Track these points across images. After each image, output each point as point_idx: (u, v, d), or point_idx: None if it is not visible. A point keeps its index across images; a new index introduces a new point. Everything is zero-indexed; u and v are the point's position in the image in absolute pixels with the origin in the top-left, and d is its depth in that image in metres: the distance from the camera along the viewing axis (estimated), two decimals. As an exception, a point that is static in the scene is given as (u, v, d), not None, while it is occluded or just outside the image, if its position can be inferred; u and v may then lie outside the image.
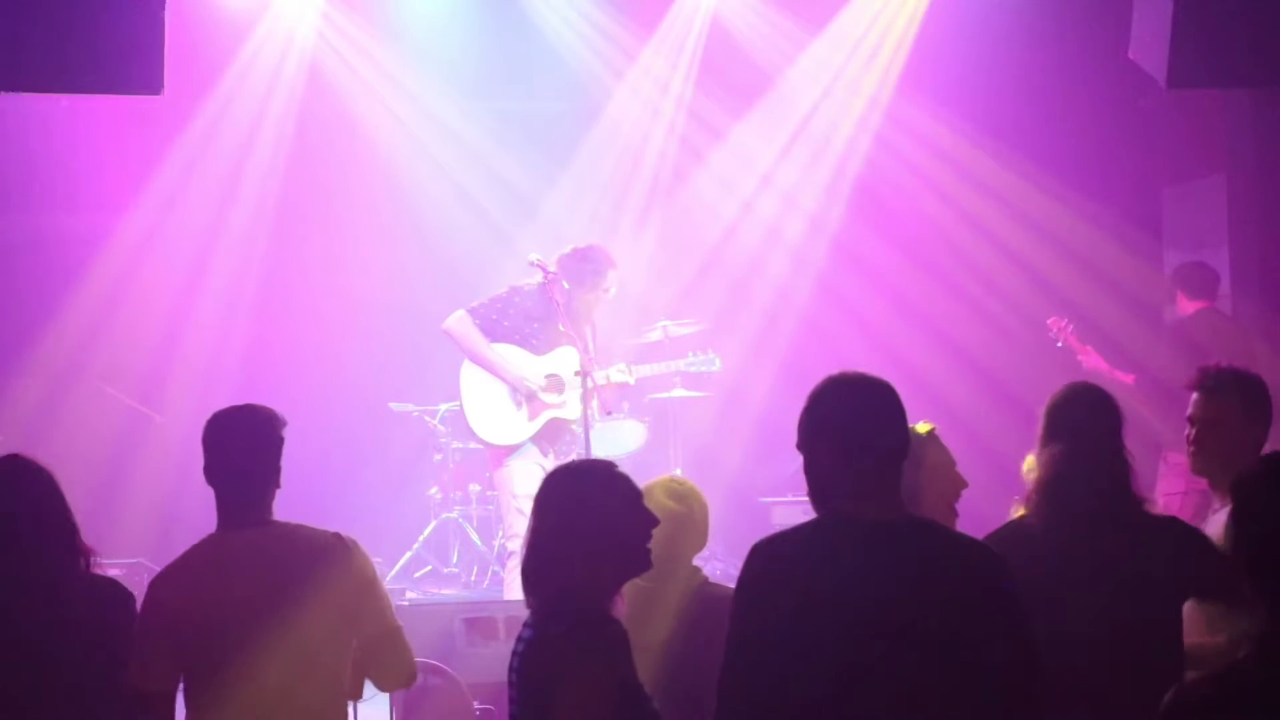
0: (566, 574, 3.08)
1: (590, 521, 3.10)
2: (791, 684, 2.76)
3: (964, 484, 3.87)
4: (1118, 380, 7.47)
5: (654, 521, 3.22)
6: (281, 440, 3.69)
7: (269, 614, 3.51)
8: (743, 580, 2.89)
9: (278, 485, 3.69)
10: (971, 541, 2.92)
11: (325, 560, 3.61)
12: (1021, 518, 3.68)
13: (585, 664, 2.97)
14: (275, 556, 3.59)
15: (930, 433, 3.88)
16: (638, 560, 3.18)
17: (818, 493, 2.92)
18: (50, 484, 3.70)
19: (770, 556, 2.88)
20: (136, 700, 3.52)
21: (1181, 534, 3.59)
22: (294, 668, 3.52)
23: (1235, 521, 2.41)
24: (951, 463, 3.89)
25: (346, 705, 3.69)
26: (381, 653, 3.69)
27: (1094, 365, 7.59)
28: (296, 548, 3.62)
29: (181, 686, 3.61)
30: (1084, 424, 3.64)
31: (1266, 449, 3.87)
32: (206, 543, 3.66)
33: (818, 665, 2.75)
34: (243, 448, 3.65)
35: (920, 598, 2.75)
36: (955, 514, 3.83)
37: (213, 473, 3.66)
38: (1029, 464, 3.74)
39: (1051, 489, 3.57)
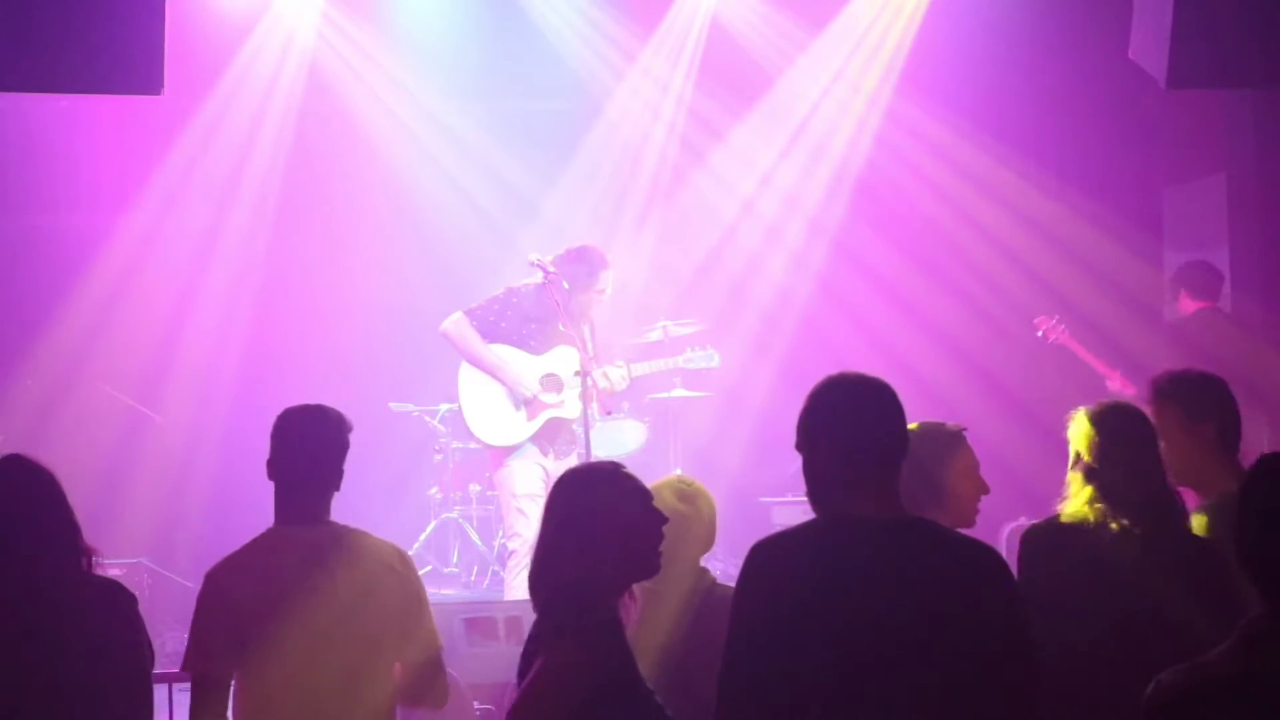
0: (570, 575, 3.07)
1: (596, 523, 3.09)
2: (791, 684, 2.76)
3: (985, 489, 3.87)
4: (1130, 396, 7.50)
5: (662, 523, 3.20)
6: (348, 444, 3.77)
7: (322, 613, 3.56)
8: (742, 580, 2.89)
9: (337, 488, 3.77)
10: (971, 541, 2.91)
11: (383, 574, 3.67)
12: (1065, 515, 3.67)
13: (565, 659, 2.96)
14: (333, 558, 3.65)
15: (958, 434, 3.87)
16: (645, 563, 3.16)
17: (817, 493, 2.92)
18: (51, 484, 3.70)
19: (770, 557, 2.88)
20: (197, 685, 3.58)
21: (1204, 543, 3.63)
22: (337, 673, 3.55)
23: (1238, 517, 2.44)
24: (975, 465, 3.89)
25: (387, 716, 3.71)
26: (421, 679, 3.72)
27: (1117, 387, 7.56)
28: (354, 553, 3.67)
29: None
30: (1129, 435, 3.66)
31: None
32: (266, 536, 3.73)
33: (817, 665, 2.74)
34: (311, 446, 3.73)
35: (920, 598, 2.75)
36: (975, 513, 3.83)
37: (277, 467, 3.73)
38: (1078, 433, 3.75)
39: (1103, 492, 3.59)
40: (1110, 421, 3.69)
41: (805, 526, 2.90)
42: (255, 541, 3.73)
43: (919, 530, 2.87)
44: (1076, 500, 3.66)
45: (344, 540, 3.71)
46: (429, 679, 3.74)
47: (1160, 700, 2.39)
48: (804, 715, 2.76)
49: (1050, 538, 3.62)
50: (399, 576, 3.70)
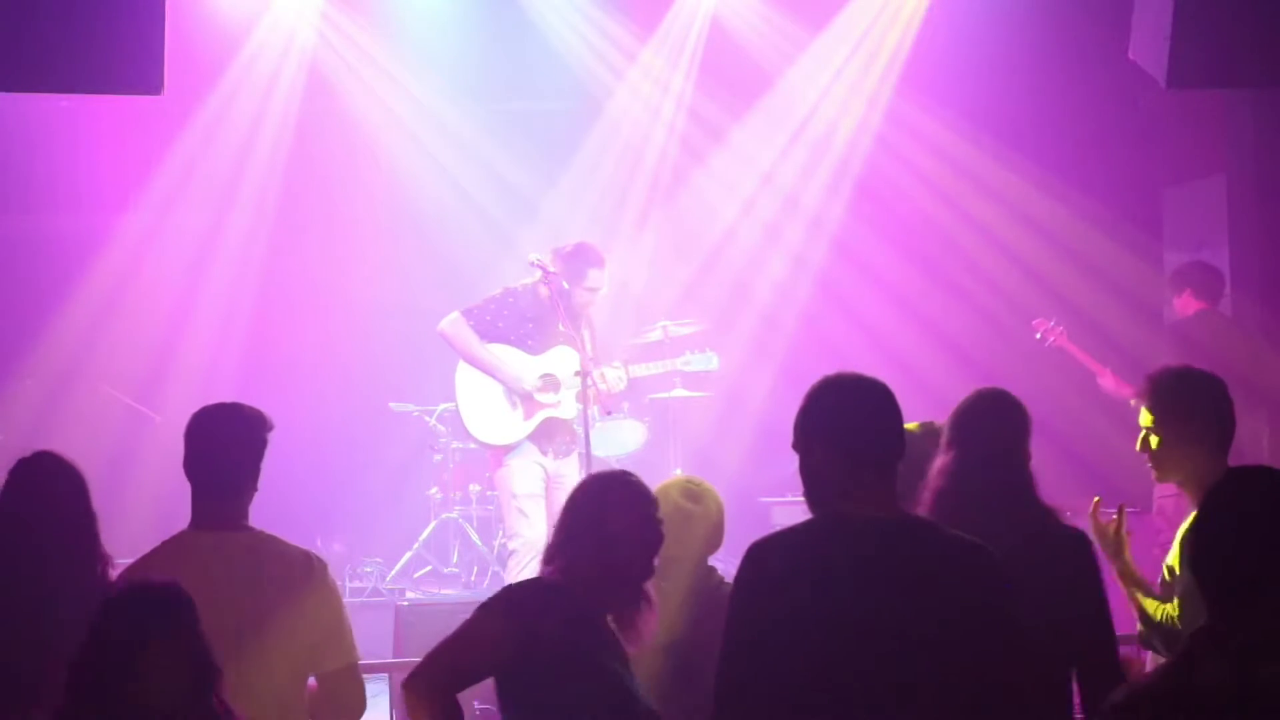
0: (557, 573, 3.28)
1: (589, 530, 3.31)
2: (788, 683, 2.76)
3: None
4: (1125, 397, 7.50)
5: (658, 535, 3.38)
6: (265, 443, 3.63)
7: (228, 622, 3.44)
8: (739, 581, 2.89)
9: (254, 489, 3.63)
10: (968, 541, 2.91)
11: (294, 582, 3.56)
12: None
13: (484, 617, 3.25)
14: (241, 566, 3.53)
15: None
16: (631, 570, 3.34)
17: (813, 492, 2.92)
18: (79, 484, 3.70)
19: (766, 557, 2.88)
20: None
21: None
22: (245, 685, 3.42)
23: (1194, 526, 2.46)
24: None
25: None
26: (338, 689, 3.64)
27: (1108, 386, 7.57)
28: (265, 561, 3.56)
29: None
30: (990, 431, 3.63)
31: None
32: (176, 540, 3.61)
33: (814, 664, 2.75)
34: (224, 446, 3.59)
35: (915, 596, 2.75)
36: None
37: (191, 468, 3.61)
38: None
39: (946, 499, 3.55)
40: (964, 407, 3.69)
41: (802, 526, 2.91)
42: (164, 545, 3.60)
43: (916, 530, 2.88)
44: None
45: (252, 547, 3.57)
46: (342, 692, 3.64)
47: (1114, 715, 2.40)
48: (801, 714, 2.76)
49: None
50: (305, 585, 3.57)
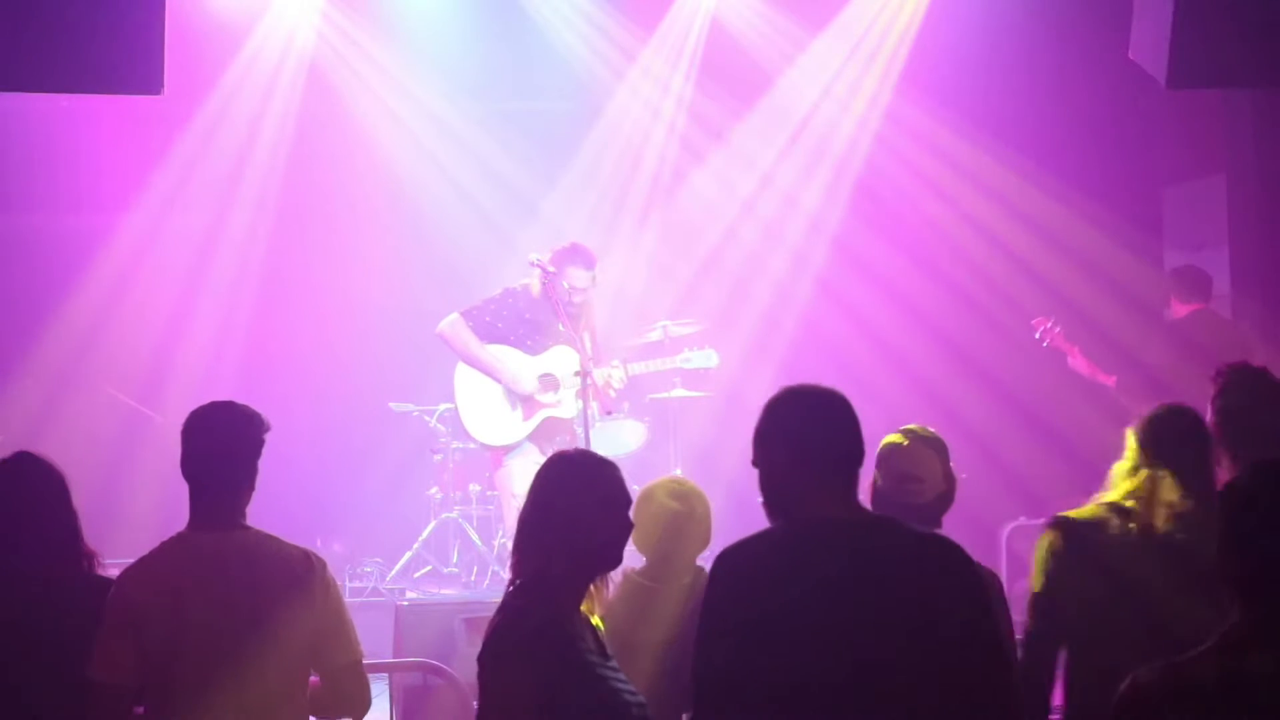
0: (531, 562, 3.14)
1: (558, 513, 3.14)
2: (763, 686, 2.75)
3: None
4: (1100, 382, 7.55)
5: (624, 517, 3.21)
6: (261, 442, 3.59)
7: (227, 623, 3.44)
8: (709, 588, 2.89)
9: (252, 488, 3.60)
10: (935, 537, 2.93)
11: (293, 581, 3.53)
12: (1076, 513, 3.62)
13: (513, 665, 3.01)
14: (240, 566, 3.50)
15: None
16: (603, 559, 3.19)
17: (775, 501, 2.93)
18: (59, 483, 3.70)
19: (735, 562, 2.87)
20: (93, 691, 3.44)
21: None
22: (244, 685, 3.44)
23: (1221, 528, 2.44)
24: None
25: None
26: (342, 685, 3.62)
27: (1079, 367, 7.66)
28: (263, 561, 3.53)
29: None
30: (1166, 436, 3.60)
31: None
32: (174, 540, 3.58)
33: (787, 666, 2.74)
34: (219, 445, 3.56)
35: (887, 594, 2.76)
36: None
37: (188, 468, 3.58)
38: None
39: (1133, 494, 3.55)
40: (1150, 424, 3.62)
41: (769, 531, 2.92)
42: (162, 547, 3.57)
43: (883, 528, 2.89)
44: (1100, 499, 3.60)
45: (250, 546, 3.54)
46: (346, 688, 3.62)
47: (1136, 697, 2.40)
48: (777, 716, 2.75)
49: (1056, 537, 3.58)
50: (304, 584, 3.53)
